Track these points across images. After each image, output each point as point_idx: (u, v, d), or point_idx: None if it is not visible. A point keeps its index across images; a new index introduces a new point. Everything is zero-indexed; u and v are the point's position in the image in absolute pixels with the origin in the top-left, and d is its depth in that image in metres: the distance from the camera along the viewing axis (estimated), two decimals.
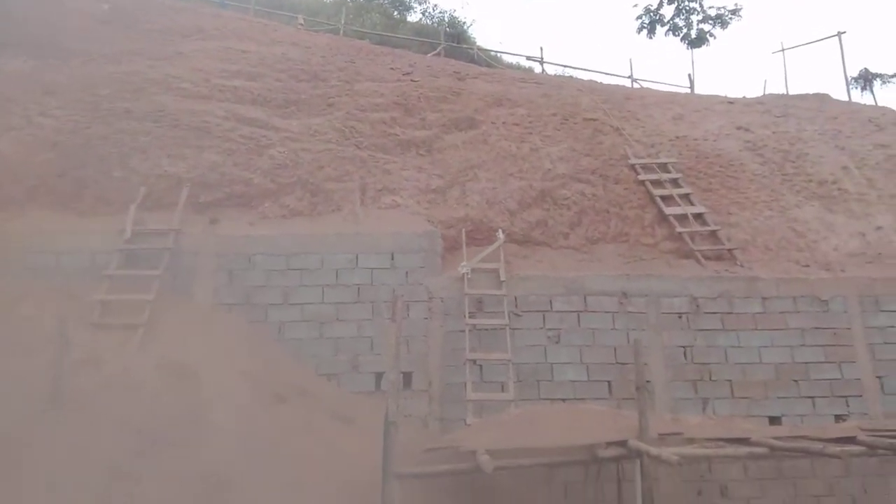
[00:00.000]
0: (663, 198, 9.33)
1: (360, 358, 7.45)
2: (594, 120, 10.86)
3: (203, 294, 7.60)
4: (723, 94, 13.64)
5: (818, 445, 5.43)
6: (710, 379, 7.52)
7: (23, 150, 8.51)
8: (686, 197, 9.46)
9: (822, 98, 13.18)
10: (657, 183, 9.59)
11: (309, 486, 5.43)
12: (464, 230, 8.51)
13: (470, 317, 7.55)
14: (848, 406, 7.53)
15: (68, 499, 4.71)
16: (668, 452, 5.03)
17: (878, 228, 9.42)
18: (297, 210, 8.36)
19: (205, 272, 7.70)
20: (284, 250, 7.79)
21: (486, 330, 7.55)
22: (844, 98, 15.45)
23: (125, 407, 5.72)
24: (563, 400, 7.28)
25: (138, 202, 8.09)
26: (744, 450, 5.54)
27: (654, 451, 5.12)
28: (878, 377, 7.73)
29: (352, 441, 6.33)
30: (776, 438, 5.81)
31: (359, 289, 7.72)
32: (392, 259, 7.90)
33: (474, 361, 7.34)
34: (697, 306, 7.85)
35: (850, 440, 5.76)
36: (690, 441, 5.92)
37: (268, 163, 8.78)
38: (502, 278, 7.84)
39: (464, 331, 7.45)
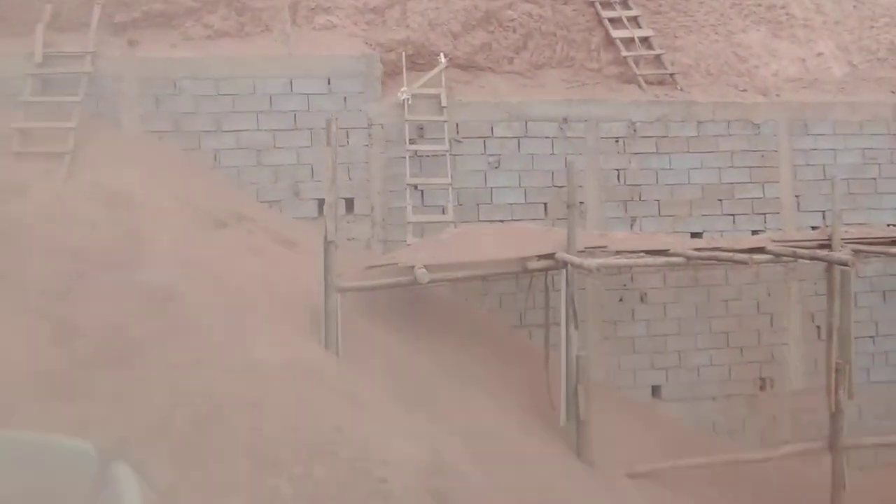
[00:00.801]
0: (612, 20, 9.03)
1: (300, 185, 7.43)
2: None
3: (130, 121, 7.26)
4: None
5: (728, 254, 5.90)
6: (640, 199, 7.85)
7: None
8: (634, 20, 9.16)
9: None
10: (607, 4, 9.19)
11: (254, 301, 5.68)
12: (404, 54, 8.11)
13: (411, 143, 7.50)
14: (765, 223, 8.05)
15: (5, 321, 4.80)
16: (590, 262, 5.40)
17: (819, 55, 9.43)
18: (223, 30, 7.76)
19: (129, 98, 7.29)
20: (212, 74, 7.37)
21: (427, 156, 7.56)
22: None
23: (58, 234, 5.68)
24: (501, 221, 7.56)
25: (46, 22, 7.39)
26: (661, 259, 5.99)
27: (577, 260, 5.50)
28: (797, 196, 8.22)
29: (296, 262, 6.54)
30: (694, 250, 6.27)
31: (295, 115, 7.49)
32: (329, 84, 7.61)
33: (415, 186, 7.43)
34: (635, 130, 7.97)
35: (760, 250, 6.26)
36: (616, 254, 6.35)
37: None
38: (444, 104, 7.69)
39: (405, 157, 7.44)
